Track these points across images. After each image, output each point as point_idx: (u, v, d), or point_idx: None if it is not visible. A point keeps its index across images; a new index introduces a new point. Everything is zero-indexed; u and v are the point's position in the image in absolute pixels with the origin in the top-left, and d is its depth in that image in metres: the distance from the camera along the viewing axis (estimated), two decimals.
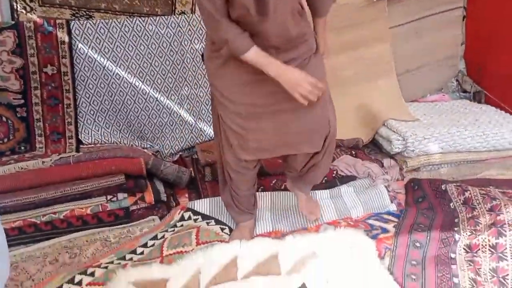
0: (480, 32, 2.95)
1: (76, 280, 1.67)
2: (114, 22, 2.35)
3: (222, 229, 1.93)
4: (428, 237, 1.68)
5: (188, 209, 2.10)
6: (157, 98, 2.54)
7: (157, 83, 2.52)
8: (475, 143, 2.39)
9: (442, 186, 1.98)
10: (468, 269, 1.52)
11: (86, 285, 1.65)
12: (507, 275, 1.49)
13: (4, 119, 2.28)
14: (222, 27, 1.30)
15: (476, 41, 3.01)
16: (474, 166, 2.40)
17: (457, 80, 3.17)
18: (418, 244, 1.66)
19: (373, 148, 2.64)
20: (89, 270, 1.71)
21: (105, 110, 2.48)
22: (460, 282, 1.47)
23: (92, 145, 2.41)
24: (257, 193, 2.13)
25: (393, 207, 1.95)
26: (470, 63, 3.10)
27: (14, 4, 2.23)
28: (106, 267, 1.73)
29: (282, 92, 1.37)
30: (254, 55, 1.32)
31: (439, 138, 2.36)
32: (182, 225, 2.01)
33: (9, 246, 1.90)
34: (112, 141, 2.46)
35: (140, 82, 2.48)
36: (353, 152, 2.46)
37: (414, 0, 2.86)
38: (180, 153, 2.62)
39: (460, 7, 3.00)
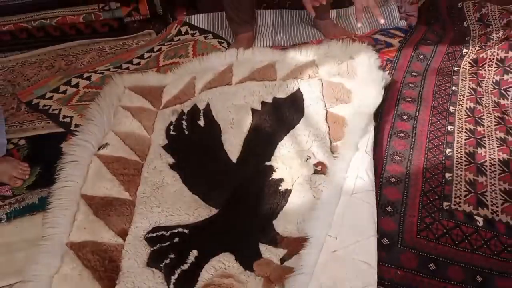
0: None
1: (73, 83, 1.67)
2: None
3: (220, 43, 1.86)
4: (434, 51, 1.61)
5: (185, 23, 2.00)
6: None
7: None
8: None
9: (459, 4, 1.82)
10: (469, 80, 1.48)
11: (83, 87, 1.66)
12: (510, 87, 1.45)
13: None
14: None
15: None
16: None
17: None
18: (422, 57, 1.59)
19: None
20: (86, 75, 1.71)
21: None
22: (459, 90, 1.43)
23: None
24: (259, 10, 2.01)
25: (402, 23, 1.83)
26: None
27: None
28: (102, 73, 1.72)
29: None
30: None
31: None
32: (179, 39, 1.94)
33: (3, 51, 1.89)
34: None
35: None
36: None
37: None
38: None
39: None
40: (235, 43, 1.80)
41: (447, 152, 1.23)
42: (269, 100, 1.45)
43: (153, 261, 1.04)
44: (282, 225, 1.09)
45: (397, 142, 1.29)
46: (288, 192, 1.16)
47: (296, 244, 1.03)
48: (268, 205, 1.14)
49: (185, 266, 1.02)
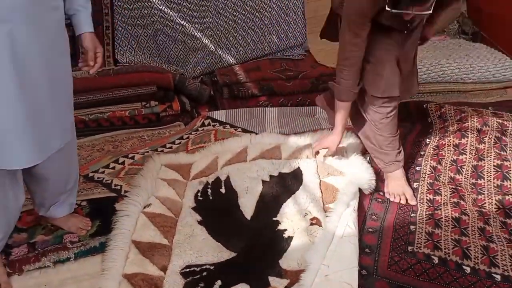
0: None
1: (120, 161, 2.11)
2: None
3: (236, 129, 2.34)
4: (404, 140, 2.06)
5: (208, 117, 2.50)
6: (182, 25, 2.88)
7: (183, 11, 2.85)
8: (462, 75, 2.69)
9: (424, 105, 2.32)
10: (431, 159, 1.90)
11: (128, 165, 2.09)
12: (464, 165, 1.86)
13: None
14: None
15: None
16: (460, 96, 2.72)
17: (458, 22, 3.41)
18: None
19: None
20: (130, 155, 2.15)
21: (138, 35, 2.83)
22: (421, 169, 1.85)
23: (127, 64, 2.79)
24: (266, 108, 2.53)
25: None
26: (470, 5, 3.32)
27: None
28: (143, 154, 2.17)
29: None
30: None
31: (429, 68, 2.67)
32: (203, 129, 2.42)
33: None
34: (143, 62, 2.83)
35: (168, 9, 2.81)
36: None
37: None
38: (201, 76, 2.99)
39: None
40: None
41: (412, 215, 1.61)
42: (276, 174, 1.87)
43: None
44: (286, 262, 1.44)
45: (375, 205, 1.68)
46: (290, 238, 1.53)
47: (296, 275, 1.37)
48: (275, 248, 1.49)
49: None
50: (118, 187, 1.87)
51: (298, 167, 1.89)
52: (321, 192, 1.73)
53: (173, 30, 2.87)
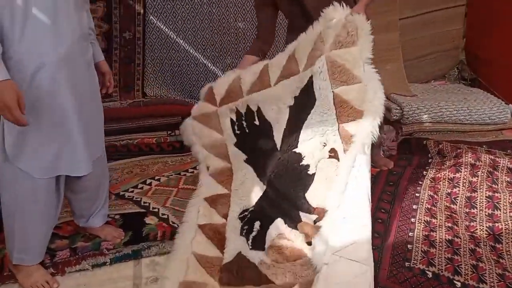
0: (478, 28, 3.47)
1: (147, 182, 2.34)
2: (178, 1, 3.01)
3: None
4: (403, 172, 2.27)
5: None
6: (205, 64, 3.19)
7: (206, 52, 3.17)
8: (460, 116, 2.92)
9: (424, 142, 2.55)
10: (429, 189, 2.11)
11: (155, 186, 2.32)
12: (458, 196, 2.06)
13: None
14: None
15: (474, 35, 3.52)
16: (459, 135, 2.94)
17: (457, 69, 3.69)
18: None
19: None
20: (156, 177, 2.39)
21: (165, 71, 3.14)
22: (420, 196, 2.05)
23: (154, 97, 3.08)
24: None
25: None
26: (469, 54, 3.62)
27: None
28: (168, 177, 2.40)
29: None
30: None
31: (430, 109, 2.90)
32: None
33: None
34: (169, 96, 3.12)
35: (193, 50, 3.13)
36: None
37: None
38: None
39: (463, 5, 3.52)
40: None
41: (409, 234, 1.81)
42: (297, 93, 1.80)
43: (240, 232, 1.74)
44: (312, 199, 1.66)
45: (377, 225, 1.88)
46: (313, 175, 1.70)
47: (322, 212, 1.59)
48: (302, 184, 1.70)
49: (254, 233, 1.69)
50: (147, 204, 2.09)
51: (311, 76, 1.74)
52: (336, 109, 1.66)
53: (197, 68, 3.18)
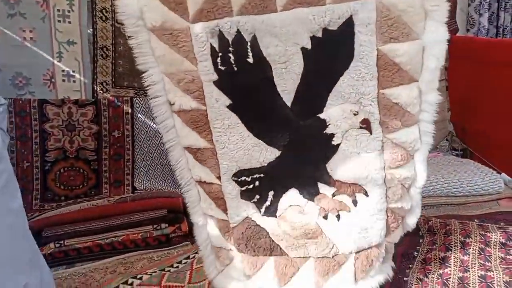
0: (461, 101, 3.54)
1: (129, 282, 2.27)
2: None
3: None
4: (395, 251, 2.17)
5: None
6: None
7: None
8: (452, 189, 2.87)
9: None
10: (418, 272, 1.99)
11: (136, 285, 2.25)
12: (450, 278, 1.94)
13: (81, 170, 3.06)
14: None
15: (458, 108, 3.58)
16: (453, 209, 2.85)
17: (447, 140, 3.70)
18: None
19: None
20: (138, 276, 2.32)
21: (154, 165, 3.21)
22: (408, 280, 1.94)
23: (144, 190, 3.12)
24: None
25: None
26: (455, 125, 3.64)
27: (95, 86, 3.11)
28: (151, 274, 2.33)
29: None
30: None
31: None
32: None
33: (82, 261, 2.58)
34: (158, 188, 3.16)
35: None
36: None
37: None
38: None
39: (443, 79, 3.63)
40: None
41: None
42: (319, 34, 1.30)
43: (244, 198, 1.56)
44: (332, 171, 1.51)
45: None
46: (338, 145, 1.48)
47: (341, 187, 1.50)
48: (323, 154, 1.50)
49: (267, 203, 1.56)
50: None
51: (351, 16, 1.28)
52: (378, 72, 1.32)
53: None
